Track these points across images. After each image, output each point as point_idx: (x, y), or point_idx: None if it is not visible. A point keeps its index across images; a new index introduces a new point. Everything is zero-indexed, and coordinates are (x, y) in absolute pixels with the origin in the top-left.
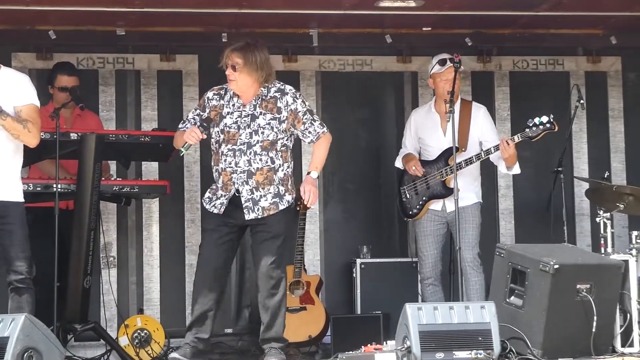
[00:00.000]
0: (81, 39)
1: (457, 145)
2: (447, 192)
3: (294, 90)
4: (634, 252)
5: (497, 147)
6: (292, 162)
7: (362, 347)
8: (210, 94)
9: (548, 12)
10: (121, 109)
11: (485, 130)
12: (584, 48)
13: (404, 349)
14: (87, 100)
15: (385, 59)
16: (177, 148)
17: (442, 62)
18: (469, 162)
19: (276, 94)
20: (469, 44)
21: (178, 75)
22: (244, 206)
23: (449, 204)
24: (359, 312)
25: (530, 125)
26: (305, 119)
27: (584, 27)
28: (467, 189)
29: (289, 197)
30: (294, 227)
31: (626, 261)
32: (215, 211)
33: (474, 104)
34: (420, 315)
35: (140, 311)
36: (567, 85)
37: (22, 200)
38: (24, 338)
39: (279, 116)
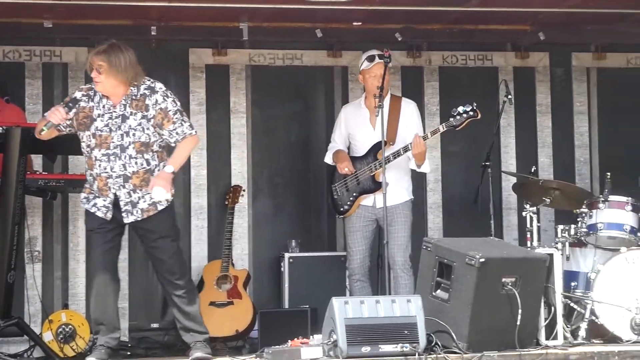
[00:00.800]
0: (7, 31)
1: (385, 139)
2: (376, 186)
3: (164, 89)
4: (559, 245)
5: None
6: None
7: (289, 341)
8: (78, 95)
9: (477, 8)
10: (48, 102)
11: (413, 125)
12: (512, 44)
13: (330, 342)
14: (14, 94)
15: (315, 54)
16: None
17: (371, 59)
18: (396, 155)
19: (145, 92)
20: (399, 39)
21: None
22: (122, 210)
23: (380, 199)
24: (286, 306)
25: (454, 114)
26: (176, 118)
27: (512, 22)
28: (398, 184)
29: (168, 196)
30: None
31: (551, 255)
32: (100, 215)
33: (404, 99)
34: (347, 309)
35: (65, 306)
36: (495, 81)
37: None
38: None
39: (147, 114)
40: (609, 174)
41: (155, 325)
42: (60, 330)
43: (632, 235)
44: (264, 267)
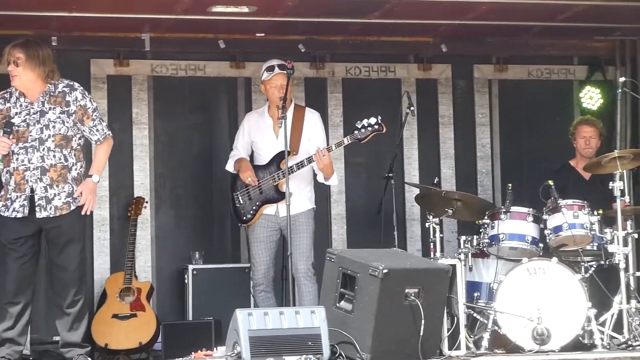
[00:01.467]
0: None
1: (288, 149)
2: (279, 196)
3: (82, 88)
4: (462, 256)
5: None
6: (85, 162)
7: (193, 353)
8: None
9: (380, 20)
10: None
11: (316, 136)
12: (415, 55)
13: (234, 354)
14: None
15: (218, 64)
16: None
17: (270, 69)
18: (300, 165)
19: (65, 89)
20: (302, 50)
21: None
22: (36, 204)
23: (282, 209)
24: (190, 318)
25: (359, 127)
26: (95, 116)
27: (415, 34)
28: (300, 194)
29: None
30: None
31: (454, 265)
32: (20, 215)
33: (308, 109)
34: (251, 320)
35: None
36: (398, 92)
37: None
38: None
39: (67, 109)
40: (510, 185)
41: (57, 338)
42: None
43: (534, 245)
44: (168, 279)
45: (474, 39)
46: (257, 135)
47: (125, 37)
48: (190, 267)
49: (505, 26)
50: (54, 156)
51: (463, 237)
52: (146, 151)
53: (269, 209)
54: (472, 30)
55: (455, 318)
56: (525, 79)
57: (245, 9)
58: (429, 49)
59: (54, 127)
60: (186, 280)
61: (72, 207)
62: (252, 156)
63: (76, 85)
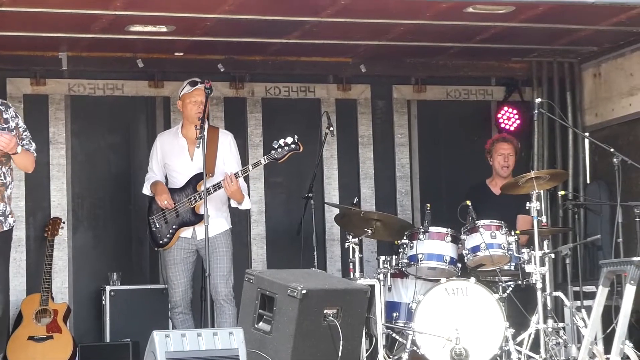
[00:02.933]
0: None
1: (204, 171)
2: (196, 219)
3: (14, 108)
4: (381, 276)
5: (236, 175)
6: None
7: None
8: None
9: (299, 40)
10: None
11: (230, 158)
12: (334, 75)
13: None
14: None
15: (137, 84)
16: None
17: (193, 84)
18: (217, 187)
19: (0, 107)
20: (222, 70)
21: None
22: None
23: (200, 231)
24: (108, 340)
25: (276, 146)
26: (25, 135)
27: (334, 55)
28: (217, 214)
29: (11, 220)
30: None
31: (373, 286)
32: None
33: (221, 130)
34: (168, 342)
35: None
36: (318, 112)
37: None
38: None
39: (7, 126)
40: (428, 205)
41: None
42: None
43: (452, 265)
44: (85, 301)
45: (393, 59)
46: (171, 157)
47: (42, 55)
48: (108, 288)
49: (423, 47)
50: None
51: (382, 257)
52: (63, 171)
53: (186, 232)
54: (390, 50)
55: (374, 338)
56: (443, 99)
57: (163, 29)
58: (348, 69)
59: None
60: (104, 302)
61: (5, 228)
62: (166, 178)
63: (10, 104)
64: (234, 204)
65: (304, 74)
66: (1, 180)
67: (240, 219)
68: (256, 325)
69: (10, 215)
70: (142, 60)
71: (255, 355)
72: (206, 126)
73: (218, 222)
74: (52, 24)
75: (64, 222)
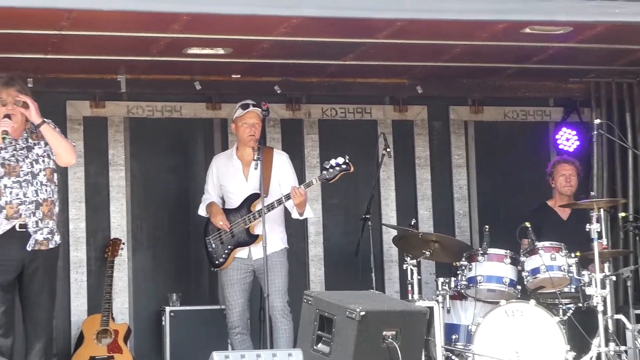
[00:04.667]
0: None
1: (260, 191)
2: (251, 239)
3: None
4: (440, 298)
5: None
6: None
7: None
8: None
9: (355, 62)
10: None
11: (286, 177)
12: (390, 97)
13: None
14: None
15: (194, 106)
16: None
17: (245, 106)
18: (270, 207)
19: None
20: (278, 92)
21: None
22: (30, 237)
23: (255, 251)
24: None
25: (327, 167)
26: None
27: (390, 76)
28: (272, 235)
29: (57, 238)
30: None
31: (432, 308)
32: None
33: (276, 150)
34: None
35: None
36: (374, 134)
37: None
38: None
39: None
40: (487, 226)
41: None
42: None
43: (512, 287)
44: (145, 321)
45: (450, 80)
46: (226, 179)
47: (101, 78)
48: (168, 308)
49: (480, 68)
50: (46, 190)
51: (441, 279)
52: (123, 192)
53: (241, 252)
54: (447, 71)
55: None
56: (501, 120)
57: (220, 51)
58: (404, 90)
59: (43, 161)
60: (163, 322)
61: (50, 246)
62: (222, 199)
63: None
64: (295, 214)
65: (361, 96)
66: (50, 197)
67: (298, 240)
68: (315, 347)
69: (57, 233)
70: (199, 82)
71: None
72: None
73: (273, 242)
74: (111, 47)
75: (123, 243)
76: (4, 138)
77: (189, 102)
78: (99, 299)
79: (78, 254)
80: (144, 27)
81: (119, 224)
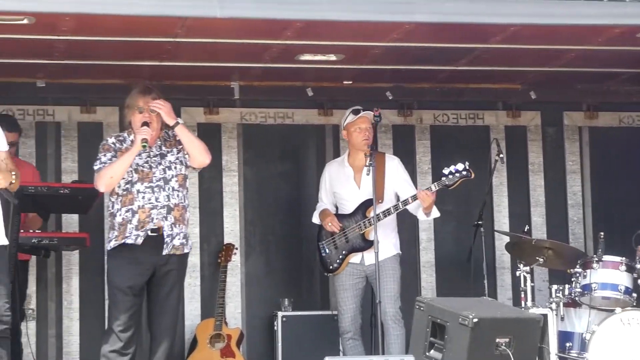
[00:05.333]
0: (1, 91)
1: (372, 197)
2: (366, 244)
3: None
4: (553, 305)
5: (414, 197)
6: None
7: None
8: (110, 140)
9: (467, 67)
10: (41, 160)
11: (401, 181)
12: (503, 102)
13: None
14: None
15: (306, 112)
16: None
17: (356, 112)
18: (386, 213)
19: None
20: (390, 98)
21: (99, 127)
22: (165, 241)
23: (368, 257)
24: None
25: (447, 173)
26: None
27: (503, 81)
28: (386, 241)
29: (190, 244)
30: None
31: (545, 315)
32: (130, 242)
33: (387, 155)
34: None
35: None
36: (487, 139)
37: (7, 243)
38: None
39: (181, 146)
40: (602, 233)
41: None
42: None
43: (627, 295)
44: (257, 326)
45: (563, 85)
46: (339, 186)
47: (215, 85)
48: (280, 314)
49: (594, 73)
50: (177, 195)
51: (554, 286)
52: (236, 198)
53: (355, 258)
54: (561, 77)
55: None
56: (616, 125)
57: (332, 57)
58: (517, 96)
59: (175, 167)
60: (275, 327)
61: (185, 251)
62: (336, 205)
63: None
64: (422, 216)
65: (473, 101)
66: (182, 202)
67: (409, 246)
68: (427, 353)
69: (189, 239)
70: (311, 89)
71: None
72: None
73: (386, 247)
74: (225, 54)
75: (236, 249)
76: (144, 146)
77: (300, 108)
78: (212, 304)
79: (192, 259)
80: (258, 34)
81: (232, 229)
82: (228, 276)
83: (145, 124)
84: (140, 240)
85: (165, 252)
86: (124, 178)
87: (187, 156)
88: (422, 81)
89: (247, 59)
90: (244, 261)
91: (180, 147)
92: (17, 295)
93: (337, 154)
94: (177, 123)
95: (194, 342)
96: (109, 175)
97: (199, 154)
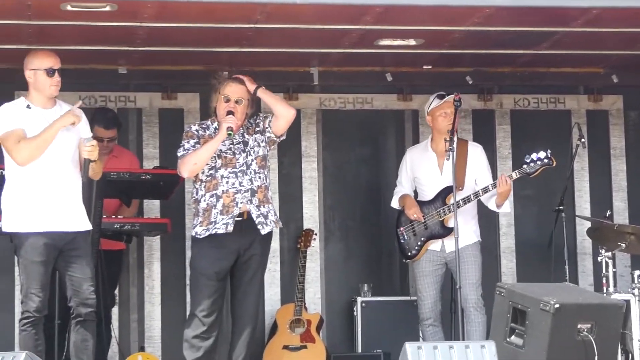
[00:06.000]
0: (83, 77)
1: (454, 184)
2: (445, 231)
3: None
4: (636, 291)
5: (494, 185)
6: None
7: None
8: (194, 128)
9: (548, 51)
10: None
11: (481, 169)
12: (585, 86)
13: None
14: None
15: (385, 97)
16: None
17: (441, 97)
18: (466, 200)
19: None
20: (470, 82)
21: (179, 113)
22: (257, 222)
23: (448, 244)
24: (359, 350)
25: (528, 161)
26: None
27: (584, 65)
28: (466, 227)
29: (278, 224)
30: None
31: (628, 301)
32: (221, 231)
33: (470, 142)
34: (420, 354)
35: (142, 349)
36: (568, 124)
37: (90, 229)
38: None
39: (259, 129)
40: None
41: None
42: None
43: None
44: (337, 311)
45: None
46: (420, 171)
47: (295, 71)
48: (359, 299)
49: None
50: (259, 177)
51: (637, 272)
52: (315, 184)
53: (434, 245)
54: None
55: (630, 355)
56: None
57: (412, 42)
58: (599, 79)
59: (254, 151)
60: (355, 313)
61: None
62: (415, 191)
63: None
64: (493, 207)
65: (554, 85)
66: (264, 183)
67: (489, 232)
68: (508, 339)
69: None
70: (390, 74)
71: None
72: (455, 139)
73: (467, 234)
74: (304, 40)
75: (316, 234)
76: (229, 134)
77: (380, 93)
78: (292, 289)
79: (272, 244)
80: (337, 19)
81: (311, 215)
82: (307, 261)
83: (231, 112)
84: (230, 228)
85: (264, 231)
86: (207, 164)
87: (269, 127)
88: (502, 65)
89: (327, 45)
90: (323, 246)
91: (258, 130)
92: (100, 280)
93: (416, 140)
94: (260, 86)
95: (274, 327)
96: (193, 162)
97: (283, 108)
